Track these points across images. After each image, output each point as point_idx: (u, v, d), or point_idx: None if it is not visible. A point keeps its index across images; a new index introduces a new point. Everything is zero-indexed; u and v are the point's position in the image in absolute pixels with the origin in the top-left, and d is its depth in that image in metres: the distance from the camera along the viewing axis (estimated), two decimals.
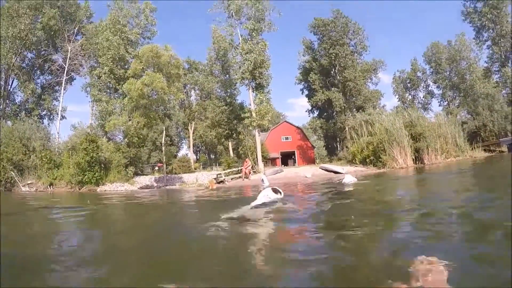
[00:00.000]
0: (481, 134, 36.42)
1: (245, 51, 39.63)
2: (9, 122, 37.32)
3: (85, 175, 31.11)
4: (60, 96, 44.34)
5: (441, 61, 60.57)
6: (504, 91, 44.35)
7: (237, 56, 42.12)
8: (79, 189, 30.90)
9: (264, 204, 8.43)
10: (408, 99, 65.61)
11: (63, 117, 45.52)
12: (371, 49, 56.64)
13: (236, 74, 42.55)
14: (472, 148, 32.00)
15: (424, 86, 67.38)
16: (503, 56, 45.15)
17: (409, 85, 67.91)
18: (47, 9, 41.70)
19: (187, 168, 48.65)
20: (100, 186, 31.73)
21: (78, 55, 43.32)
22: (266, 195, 8.92)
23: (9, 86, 43.48)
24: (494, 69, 47.93)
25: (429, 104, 65.36)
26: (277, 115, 77.51)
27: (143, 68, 34.70)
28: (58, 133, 40.43)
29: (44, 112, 45.91)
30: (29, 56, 44.62)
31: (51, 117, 45.86)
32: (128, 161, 37.72)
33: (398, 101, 66.22)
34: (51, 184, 31.79)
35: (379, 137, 31.54)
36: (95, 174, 31.59)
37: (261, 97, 40.20)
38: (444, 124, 31.89)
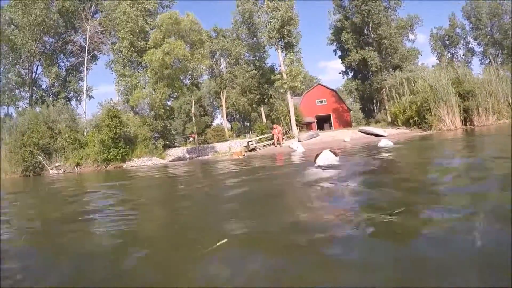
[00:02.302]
0: None
1: (270, 9, 35.95)
2: (38, 108, 35.59)
3: (110, 152, 29.24)
4: (84, 76, 42.16)
5: (482, 16, 54.70)
6: None
7: (262, 15, 38.50)
8: (105, 167, 29.17)
9: (327, 166, 7.72)
10: (447, 57, 59.43)
11: (90, 97, 43.98)
12: (405, 4, 52.70)
13: (263, 35, 38.98)
14: None
15: (464, 44, 61.31)
16: None
17: (447, 42, 61.97)
18: None
19: (221, 137, 46.34)
20: (126, 162, 29.83)
21: (98, 33, 41.16)
22: (326, 158, 8.25)
23: (34, 74, 41.97)
24: None
25: (470, 62, 58.96)
26: (310, 78, 74.16)
27: (164, 37, 32.47)
28: (85, 112, 38.32)
29: (71, 94, 44.52)
30: (49, 41, 42.74)
31: (78, 98, 44.04)
32: (157, 134, 36.13)
33: (437, 59, 60.19)
34: (77, 165, 30.17)
35: (423, 96, 27.80)
36: (120, 150, 29.65)
37: (291, 57, 36.48)
38: (495, 81, 27.18)
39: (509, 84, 27.35)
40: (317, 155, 8.46)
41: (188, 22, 33.41)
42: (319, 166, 7.98)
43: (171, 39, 32.38)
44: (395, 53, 47.05)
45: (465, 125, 26.20)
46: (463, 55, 60.34)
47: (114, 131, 29.15)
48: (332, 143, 25.35)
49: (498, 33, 54.28)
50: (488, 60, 54.26)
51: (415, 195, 4.22)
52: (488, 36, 55.35)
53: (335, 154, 8.54)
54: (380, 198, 4.24)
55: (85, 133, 33.02)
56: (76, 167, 29.95)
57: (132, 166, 28.26)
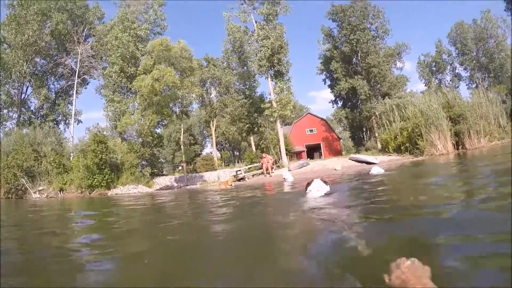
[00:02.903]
0: None
1: (261, 37, 35.88)
2: (25, 130, 34.70)
3: (95, 178, 28.11)
4: (73, 100, 41.71)
5: (467, 41, 55.88)
6: None
7: (253, 44, 38.40)
8: (89, 193, 27.97)
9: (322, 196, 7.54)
10: (435, 83, 59.87)
11: (79, 121, 43.04)
12: (393, 32, 53.37)
13: (253, 63, 38.65)
14: None
15: (451, 69, 62.31)
16: None
17: (434, 68, 62.89)
18: (55, 14, 39.35)
19: (210, 166, 45.64)
20: (111, 189, 28.67)
21: (89, 57, 40.86)
22: (317, 187, 7.82)
23: (24, 94, 41.23)
24: None
25: (457, 87, 59.43)
26: (299, 107, 74.08)
27: (154, 63, 32.09)
28: (72, 137, 37.85)
29: (59, 118, 43.48)
30: (41, 62, 42.28)
31: (67, 121, 43.25)
32: (143, 162, 35.32)
33: (425, 86, 60.88)
34: (61, 190, 28.93)
35: (414, 121, 27.36)
36: (105, 176, 28.47)
37: (281, 85, 36.27)
38: (484, 103, 26.85)
39: (498, 106, 27.11)
40: (308, 184, 8.13)
41: (179, 49, 33.11)
42: (311, 196, 7.68)
43: (161, 65, 31.93)
44: (384, 81, 46.92)
45: (457, 148, 25.69)
46: (450, 80, 61.39)
47: (100, 156, 28.19)
48: (323, 172, 24.64)
49: (484, 57, 55.17)
50: (475, 84, 54.42)
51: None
52: (474, 61, 56.35)
53: (326, 182, 8.12)
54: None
55: (71, 157, 32.17)
56: (60, 192, 28.78)
57: (117, 194, 27.15)
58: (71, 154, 32.58)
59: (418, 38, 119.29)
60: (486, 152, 20.11)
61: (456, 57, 59.88)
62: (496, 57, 52.73)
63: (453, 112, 26.21)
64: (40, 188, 29.25)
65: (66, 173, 29.78)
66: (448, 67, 62.23)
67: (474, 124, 25.51)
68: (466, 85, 58.92)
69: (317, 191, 7.80)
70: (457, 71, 61.47)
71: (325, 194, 7.69)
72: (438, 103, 26.91)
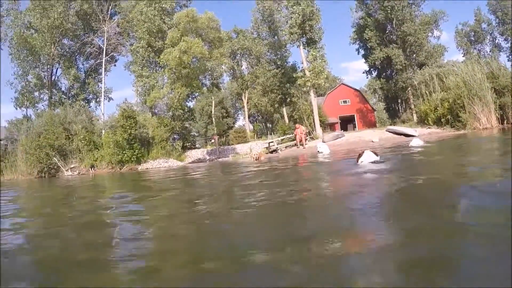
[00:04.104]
0: None
1: (291, 4, 34.03)
2: (57, 110, 35.06)
3: (124, 153, 28.04)
4: (103, 78, 41.31)
5: (508, 9, 51.07)
6: None
7: (283, 11, 37.08)
8: (120, 169, 28.01)
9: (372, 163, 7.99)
10: (474, 54, 56.17)
11: (110, 99, 42.83)
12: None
13: (284, 32, 37.01)
14: None
15: (491, 39, 58.09)
16: None
17: (473, 38, 58.93)
18: None
19: (242, 139, 44.48)
20: (141, 164, 28.57)
21: (116, 35, 40.25)
22: (368, 157, 8.24)
23: (54, 76, 41.15)
24: None
25: (497, 59, 55.50)
26: (332, 79, 71.80)
27: (181, 36, 30.92)
28: (103, 114, 37.53)
29: (90, 96, 43.53)
30: (68, 43, 42.05)
31: (97, 99, 42.91)
32: (175, 135, 35.19)
33: (463, 56, 57.09)
34: (92, 166, 29.16)
35: (456, 92, 25.28)
36: (135, 151, 28.42)
37: (314, 53, 34.51)
38: None
39: None
40: (359, 155, 8.48)
41: (206, 19, 31.88)
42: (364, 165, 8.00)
43: (189, 37, 30.84)
44: (420, 50, 44.83)
45: (502, 123, 23.67)
46: (490, 51, 57.00)
47: (129, 132, 28.06)
48: (359, 144, 23.45)
49: None
50: None
51: None
52: None
53: (376, 154, 8.46)
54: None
55: (102, 134, 31.89)
56: (91, 169, 29.00)
57: (147, 168, 26.96)
58: (102, 131, 32.36)
59: (456, 6, 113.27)
60: None
61: (496, 26, 55.86)
62: None
63: (498, 83, 24.14)
64: (72, 166, 29.63)
65: (97, 150, 29.96)
66: (488, 37, 58.18)
67: None
68: (507, 56, 54.82)
69: (369, 159, 8.20)
70: (497, 41, 57.41)
71: (375, 162, 8.13)
72: (482, 73, 24.76)
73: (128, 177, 19.04)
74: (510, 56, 54.16)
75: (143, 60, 36.88)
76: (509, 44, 54.55)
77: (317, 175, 9.16)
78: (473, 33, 58.74)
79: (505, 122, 23.77)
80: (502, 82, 24.17)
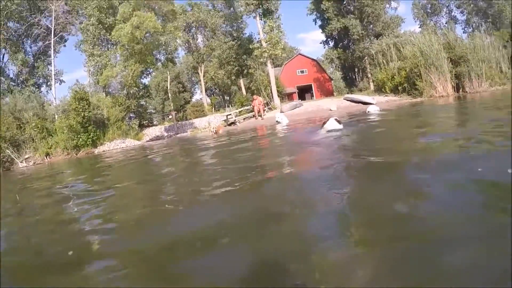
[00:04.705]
0: None
1: None
2: (7, 99, 32.57)
3: (79, 137, 26.97)
4: (52, 60, 38.73)
5: None
6: None
7: None
8: (76, 154, 26.97)
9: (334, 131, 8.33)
10: (430, 25, 57.26)
11: (61, 81, 41.06)
12: None
13: (240, 2, 36.05)
14: None
15: (447, 12, 59.67)
16: None
17: (429, 10, 60.10)
18: None
19: (200, 113, 43.98)
20: (98, 147, 27.68)
21: (65, 13, 37.89)
22: (333, 123, 8.58)
23: (1, 63, 38.72)
24: None
25: (452, 31, 56.71)
26: (289, 49, 71.54)
27: (133, 10, 29.65)
28: (55, 98, 35.52)
29: (40, 81, 41.41)
30: (14, 26, 39.19)
31: (48, 83, 40.74)
32: (131, 114, 34.58)
33: (419, 27, 57.53)
34: (47, 155, 27.56)
35: (413, 61, 25.88)
36: (90, 134, 27.37)
37: (270, 24, 34.03)
38: (486, 47, 25.65)
39: (500, 50, 25.99)
40: (323, 123, 8.83)
41: None
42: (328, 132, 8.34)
43: (141, 12, 29.62)
44: (377, 21, 45.12)
45: (457, 91, 24.61)
46: (446, 23, 57.72)
47: (82, 114, 26.85)
48: (318, 113, 23.84)
49: (482, 2, 52.38)
50: (471, 29, 52.51)
51: None
52: (472, 5, 53.58)
53: (339, 122, 8.80)
54: None
55: (55, 120, 30.38)
56: (46, 157, 27.40)
57: (104, 151, 26.09)
58: (55, 116, 30.82)
59: None
60: (487, 96, 19.19)
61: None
62: (494, 2, 49.66)
63: (454, 54, 24.98)
64: (26, 156, 27.76)
65: (51, 137, 28.41)
66: (444, 10, 59.66)
67: (475, 67, 24.42)
68: (462, 29, 56.76)
69: (333, 126, 8.52)
70: (453, 14, 59.05)
71: (338, 129, 8.44)
72: (439, 43, 25.56)
73: (84, 163, 18.43)
74: (465, 28, 55.82)
75: (94, 38, 35.40)
76: (464, 17, 56.08)
77: (278, 148, 9.05)
78: (429, 6, 59.74)
79: (460, 90, 24.62)
80: (458, 53, 24.98)
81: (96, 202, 4.85)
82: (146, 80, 39.83)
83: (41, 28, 38.59)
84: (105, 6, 33.78)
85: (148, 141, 30.33)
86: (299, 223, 2.84)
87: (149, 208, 4.18)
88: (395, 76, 27.86)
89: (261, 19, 34.68)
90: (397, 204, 2.82)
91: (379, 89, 30.60)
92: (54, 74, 38.05)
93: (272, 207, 3.35)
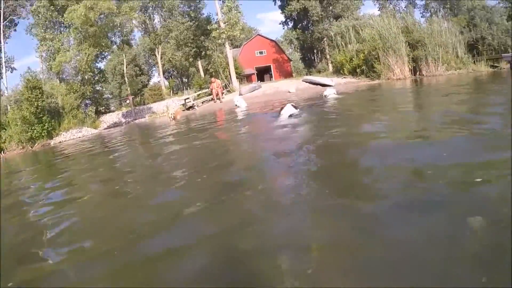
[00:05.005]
0: (479, 47, 32.02)
1: None
2: None
3: (34, 129, 25.16)
4: (2, 46, 36.59)
5: None
6: (502, 4, 39.50)
7: None
8: (31, 147, 25.11)
9: (291, 116, 8.52)
10: (389, 8, 57.60)
11: (12, 69, 38.79)
12: None
13: None
14: (474, 62, 26.93)
15: None
16: None
17: None
18: None
19: (158, 96, 43.48)
20: (54, 138, 26.18)
21: None
22: (290, 109, 8.79)
23: None
24: None
25: (411, 15, 57.47)
26: (248, 30, 70.91)
27: None
28: (6, 88, 34.05)
29: None
30: None
31: None
32: (87, 101, 33.88)
33: (378, 10, 57.15)
34: (1, 150, 25.53)
35: (371, 44, 26.35)
36: (44, 125, 25.61)
37: (229, 4, 33.25)
38: (444, 32, 26.58)
39: (457, 36, 27.10)
40: (281, 108, 9.04)
41: None
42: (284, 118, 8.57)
43: None
44: (337, 3, 45.23)
45: (414, 74, 25.52)
46: (405, 7, 58.48)
47: (36, 104, 25.13)
48: (276, 95, 23.92)
49: None
50: (429, 13, 53.05)
51: None
52: None
53: (296, 107, 9.05)
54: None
55: (8, 111, 28.56)
56: (1, 153, 25.37)
57: (60, 142, 24.92)
58: (7, 108, 28.97)
59: None
60: (442, 80, 19.88)
61: None
62: None
63: (412, 38, 25.74)
64: None
65: (4, 130, 26.42)
66: None
67: (432, 52, 25.21)
68: (421, 13, 57.09)
69: (290, 112, 8.73)
70: None
71: (295, 114, 8.67)
72: (397, 27, 26.17)
73: (40, 156, 17.59)
74: (423, 13, 56.36)
75: (45, 21, 33.55)
76: (423, 2, 56.73)
77: (237, 138, 8.77)
78: None
79: (417, 73, 25.49)
80: (416, 37, 25.67)
81: (57, 210, 4.49)
82: (101, 64, 38.65)
83: None
84: None
85: (106, 128, 29.49)
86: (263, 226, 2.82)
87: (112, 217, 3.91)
88: (353, 58, 28.12)
89: (219, 0, 34.03)
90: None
91: (338, 71, 30.86)
92: (5, 62, 36.23)
93: (237, 206, 3.30)
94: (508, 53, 28.73)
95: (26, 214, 4.66)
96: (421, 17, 54.70)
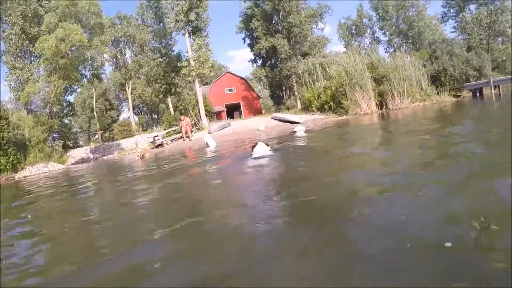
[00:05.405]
0: (441, 78, 33.17)
1: None
2: None
3: None
4: None
5: (388, 7, 55.77)
6: (461, 37, 43.93)
7: None
8: None
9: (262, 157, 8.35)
10: (354, 45, 59.51)
11: None
12: None
13: (170, 19, 35.18)
14: (437, 93, 28.65)
15: (370, 33, 63.13)
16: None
17: (354, 31, 63.12)
18: None
19: (128, 133, 42.69)
20: (19, 172, 24.77)
21: None
22: (261, 148, 8.51)
23: None
24: (451, 14, 49.01)
25: (375, 51, 59.44)
26: (218, 67, 71.48)
27: (59, 21, 28.24)
28: None
29: None
30: None
31: None
32: (54, 134, 32.95)
33: (344, 47, 59.85)
34: None
35: (338, 81, 26.94)
36: (9, 158, 24.23)
37: (199, 42, 33.60)
38: (407, 66, 27.73)
39: (420, 69, 28.60)
40: (253, 146, 8.76)
41: (87, 3, 29.84)
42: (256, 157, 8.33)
43: (67, 23, 28.18)
44: (305, 41, 46.52)
45: (381, 108, 26.23)
46: (369, 43, 61.54)
47: (1, 135, 23.80)
48: (246, 133, 23.84)
49: (403, 24, 55.92)
50: (393, 49, 55.64)
51: None
52: (394, 27, 56.75)
53: (267, 145, 8.79)
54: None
55: None
56: None
57: (25, 176, 23.52)
58: None
59: (339, 2, 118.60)
60: (408, 112, 20.57)
61: (376, 22, 60.28)
62: (415, 25, 53.58)
63: (377, 73, 26.60)
64: None
65: None
66: (368, 31, 62.95)
67: (398, 85, 26.10)
68: (384, 49, 59.84)
69: (262, 151, 8.41)
70: (376, 35, 62.35)
71: (266, 155, 8.37)
72: (363, 63, 26.81)
73: (4, 192, 16.34)
74: (387, 49, 58.97)
75: (16, 49, 32.77)
76: (387, 38, 59.27)
77: (208, 183, 7.89)
78: (354, 27, 62.64)
79: (383, 107, 26.27)
80: (381, 72, 26.60)
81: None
82: (71, 97, 37.93)
83: None
84: (30, 15, 31.68)
85: (74, 163, 28.78)
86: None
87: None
88: (321, 95, 28.63)
89: (190, 37, 34.33)
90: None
91: (306, 107, 31.28)
92: None
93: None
94: (470, 82, 30.90)
95: None
96: (385, 52, 57.33)
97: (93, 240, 4.27)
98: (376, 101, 26.01)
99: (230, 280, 2.42)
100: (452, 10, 50.38)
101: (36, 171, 24.97)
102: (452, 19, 51.08)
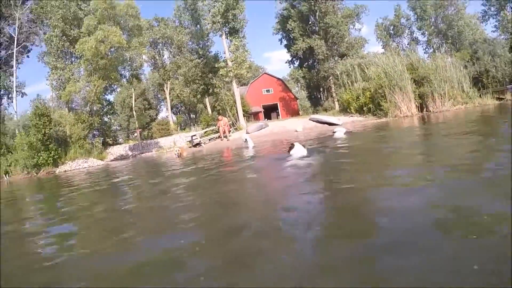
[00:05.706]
0: (483, 80, 31.09)
1: None
2: None
3: (40, 156, 24.75)
4: (14, 71, 36.78)
5: (426, 7, 54.00)
6: (503, 36, 41.03)
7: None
8: (36, 173, 24.73)
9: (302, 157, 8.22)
10: (393, 46, 58.11)
11: (23, 94, 38.71)
12: None
13: (207, 21, 35.38)
14: (479, 95, 26.79)
15: (409, 33, 61.35)
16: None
17: (392, 32, 61.62)
18: None
19: (166, 131, 43.65)
20: (59, 167, 25.70)
21: (29, 22, 36.26)
22: (298, 149, 8.52)
23: None
24: (491, 12, 46.77)
25: (414, 51, 57.89)
26: (255, 68, 71.69)
27: (98, 23, 28.80)
28: (16, 112, 33.82)
29: (1, 92, 38.27)
30: None
31: (10, 96, 38.13)
32: (95, 132, 33.78)
33: (382, 48, 58.62)
34: (6, 173, 25.49)
35: (377, 82, 26.13)
36: (51, 153, 25.20)
37: (236, 43, 33.66)
38: (448, 67, 26.33)
39: (462, 71, 26.86)
40: (290, 148, 8.80)
41: (125, 6, 30.16)
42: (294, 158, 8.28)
43: (106, 25, 28.73)
44: (342, 42, 45.94)
45: (421, 111, 25.12)
46: (408, 44, 59.92)
47: (43, 131, 24.86)
48: (284, 134, 23.41)
49: (442, 23, 54.00)
50: (432, 49, 54.01)
51: None
52: (433, 27, 54.99)
53: (304, 146, 8.78)
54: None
55: (16, 136, 28.34)
56: (5, 176, 25.28)
57: (66, 171, 24.33)
58: (16, 131, 28.79)
59: (376, 2, 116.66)
60: (450, 116, 19.38)
61: (414, 21, 58.64)
62: (454, 24, 51.66)
63: (417, 74, 25.59)
64: None
65: (10, 154, 26.43)
66: (406, 31, 61.33)
67: (438, 87, 24.96)
68: (423, 49, 57.96)
69: (299, 152, 8.42)
70: (414, 35, 60.67)
71: (304, 156, 8.27)
72: (402, 64, 25.87)
73: (45, 184, 16.79)
74: (426, 49, 57.09)
75: (57, 50, 33.91)
76: (425, 38, 57.37)
77: (246, 180, 7.79)
78: (392, 27, 61.13)
79: (424, 110, 25.12)
80: (421, 73, 25.51)
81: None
82: (110, 97, 38.67)
83: (3, 36, 36.48)
84: (70, 17, 32.67)
85: (113, 160, 29.30)
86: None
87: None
88: (360, 97, 27.90)
89: (227, 38, 34.37)
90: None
91: (345, 109, 30.58)
92: (16, 86, 36.41)
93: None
94: None
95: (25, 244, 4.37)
96: (424, 53, 55.52)
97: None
98: (416, 103, 25.05)
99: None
100: (492, 9, 48.24)
101: (76, 166, 25.81)
102: (493, 18, 49.08)
